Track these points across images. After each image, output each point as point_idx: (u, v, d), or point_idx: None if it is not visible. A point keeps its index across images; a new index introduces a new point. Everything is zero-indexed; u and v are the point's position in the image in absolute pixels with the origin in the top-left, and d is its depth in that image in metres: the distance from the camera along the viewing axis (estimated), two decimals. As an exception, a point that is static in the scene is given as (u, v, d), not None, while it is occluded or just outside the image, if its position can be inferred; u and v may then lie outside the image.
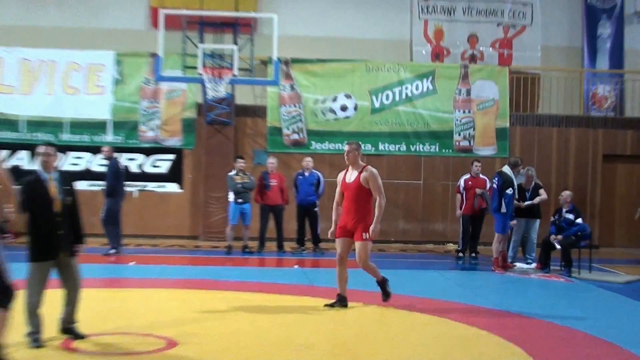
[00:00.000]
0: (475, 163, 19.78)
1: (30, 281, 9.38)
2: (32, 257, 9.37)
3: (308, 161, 20.45)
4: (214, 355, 9.33)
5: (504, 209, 17.59)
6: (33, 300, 9.34)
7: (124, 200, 19.32)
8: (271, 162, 20.33)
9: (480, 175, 19.64)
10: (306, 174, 20.40)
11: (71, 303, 9.85)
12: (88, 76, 22.37)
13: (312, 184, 20.36)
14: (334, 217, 12.82)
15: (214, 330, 10.64)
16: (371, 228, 12.25)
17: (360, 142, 13.38)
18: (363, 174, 12.21)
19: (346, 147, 12.54)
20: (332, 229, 12.74)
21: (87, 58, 22.44)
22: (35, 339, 9.30)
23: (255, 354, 9.52)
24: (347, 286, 12.55)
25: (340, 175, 12.69)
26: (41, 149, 9.79)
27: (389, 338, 10.53)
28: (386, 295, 12.75)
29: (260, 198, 20.10)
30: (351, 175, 12.36)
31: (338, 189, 12.66)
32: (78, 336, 9.79)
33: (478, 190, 19.29)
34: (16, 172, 9.52)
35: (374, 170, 12.39)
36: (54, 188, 9.56)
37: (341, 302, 12.46)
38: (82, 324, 10.01)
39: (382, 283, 12.79)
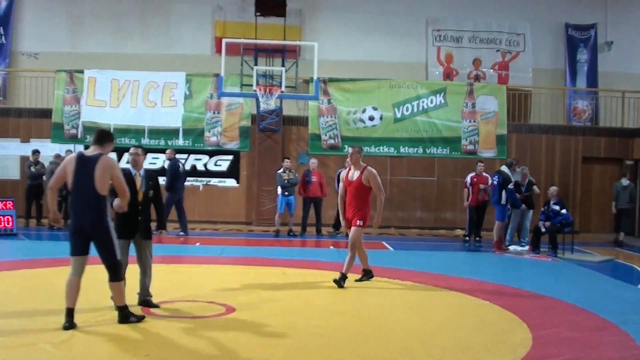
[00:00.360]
0: (479, 163, 19.77)
1: None
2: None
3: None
4: (265, 319, 9.30)
5: (503, 201, 17.60)
6: None
7: (182, 194, 19.35)
8: (313, 162, 20.42)
9: (483, 174, 19.58)
10: None
11: (144, 279, 9.92)
12: (164, 92, 22.42)
13: None
14: (340, 211, 12.47)
15: (264, 299, 10.65)
16: (374, 221, 12.20)
17: (362, 147, 13.24)
18: (365, 174, 11.99)
19: (350, 150, 12.40)
20: (343, 224, 12.54)
21: (163, 78, 22.49)
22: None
23: (298, 317, 9.51)
24: (369, 263, 12.47)
25: (343, 173, 12.65)
26: (132, 150, 9.86)
27: (407, 306, 10.48)
28: (361, 280, 12.38)
29: (303, 191, 20.15)
30: (354, 174, 12.15)
31: (341, 185, 12.53)
32: (153, 307, 9.84)
33: (481, 186, 19.27)
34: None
35: (373, 170, 12.17)
36: (138, 182, 9.59)
37: (367, 275, 12.43)
38: (157, 293, 10.05)
39: (367, 272, 12.48)
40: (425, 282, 12.49)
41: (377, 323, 9.32)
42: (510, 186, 17.75)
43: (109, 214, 8.62)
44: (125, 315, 8.78)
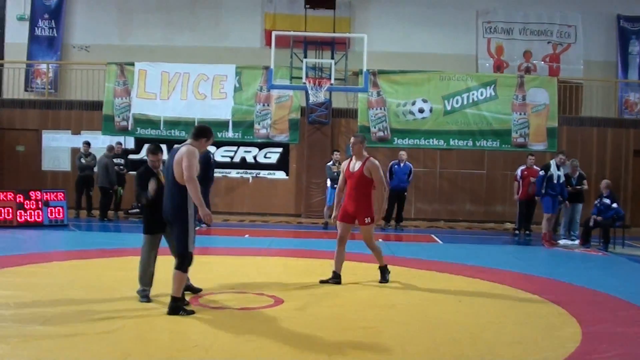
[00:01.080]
0: (530, 156, 19.61)
1: (144, 248, 9.72)
2: (145, 229, 9.71)
3: (402, 154, 20.48)
4: (313, 311, 9.36)
5: (551, 193, 17.50)
6: (144, 263, 9.66)
7: (211, 185, 19.33)
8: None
9: (534, 167, 19.38)
10: (401, 164, 20.37)
11: None
12: (214, 85, 22.61)
13: (405, 173, 20.41)
14: (335, 202, 11.78)
15: (312, 290, 10.70)
16: (375, 217, 11.33)
17: (364, 136, 12.29)
18: (366, 165, 11.09)
19: (352, 140, 11.48)
20: (334, 213, 11.67)
21: (213, 70, 22.70)
22: (145, 295, 9.59)
23: (346, 310, 9.52)
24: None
25: (344, 164, 11.63)
26: (150, 157, 9.89)
27: (455, 299, 10.40)
28: (384, 280, 11.54)
29: (349, 184, 20.10)
30: (355, 164, 11.24)
31: (341, 177, 11.57)
32: (195, 290, 10.00)
33: (532, 179, 19.05)
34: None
35: (376, 161, 11.28)
36: (162, 176, 9.62)
37: (335, 279, 11.36)
38: (206, 284, 10.18)
39: (383, 269, 11.66)
40: (474, 276, 12.40)
41: (424, 316, 9.28)
42: (558, 179, 17.61)
43: (190, 204, 8.78)
44: (176, 307, 8.88)
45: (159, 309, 9.06)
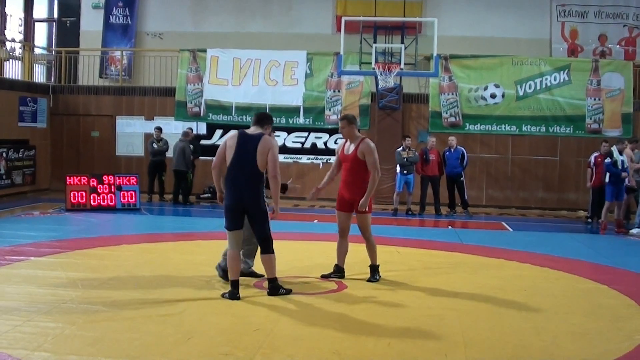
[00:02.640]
0: (604, 143, 19.15)
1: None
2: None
3: (452, 140, 20.32)
4: (376, 297, 9.38)
5: (613, 181, 17.27)
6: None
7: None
8: (432, 140, 20.26)
9: (608, 154, 19.00)
10: (452, 150, 20.18)
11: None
12: (285, 71, 22.66)
13: (457, 158, 20.19)
14: (323, 181, 10.60)
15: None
16: (361, 201, 10.11)
17: (352, 116, 10.73)
18: (360, 147, 10.09)
19: (340, 124, 10.47)
20: (312, 190, 10.52)
21: (284, 57, 22.74)
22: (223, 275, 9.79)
23: (409, 296, 9.48)
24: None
25: (339, 146, 10.57)
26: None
27: (522, 288, 10.24)
28: (373, 279, 10.43)
29: (421, 170, 19.99)
30: (349, 147, 10.25)
31: (335, 158, 10.55)
32: (257, 275, 10.16)
33: (606, 166, 18.69)
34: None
35: (371, 143, 10.28)
36: None
37: (338, 272, 10.56)
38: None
39: (375, 267, 10.57)
40: (543, 265, 12.19)
41: (489, 305, 9.17)
42: (615, 166, 17.25)
43: (264, 191, 9.01)
44: (274, 287, 9.15)
45: (222, 292, 9.15)
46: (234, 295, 8.89)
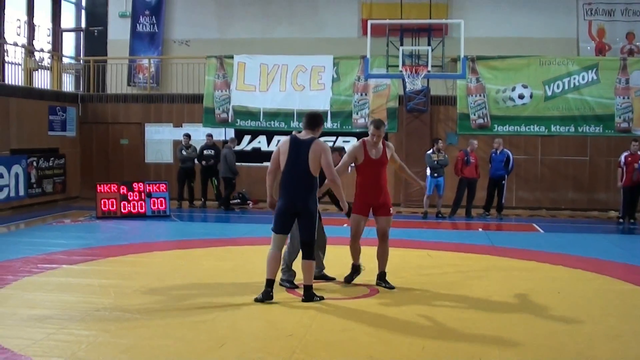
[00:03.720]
0: (634, 142, 19.04)
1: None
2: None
3: (498, 142, 20.36)
4: (407, 302, 9.31)
5: None
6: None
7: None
8: (473, 142, 20.33)
9: (638, 152, 18.83)
10: (497, 152, 20.12)
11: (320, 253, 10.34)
12: (312, 76, 22.66)
13: (501, 161, 20.15)
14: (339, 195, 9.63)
15: (409, 280, 10.65)
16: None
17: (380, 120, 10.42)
18: (388, 150, 10.20)
19: (380, 131, 10.00)
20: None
21: (311, 62, 22.72)
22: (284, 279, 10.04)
23: (440, 302, 9.42)
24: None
25: (357, 150, 10.13)
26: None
27: (555, 291, 10.17)
28: (391, 287, 10.10)
29: (461, 172, 19.96)
30: (374, 151, 10.08)
31: (344, 164, 10.17)
32: (328, 279, 10.41)
33: (636, 165, 18.52)
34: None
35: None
36: None
37: (356, 271, 10.49)
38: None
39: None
40: (575, 266, 12.12)
41: (522, 308, 9.12)
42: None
43: (316, 196, 9.15)
44: (310, 295, 9.17)
45: (254, 297, 9.13)
46: (267, 293, 8.98)
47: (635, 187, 18.75)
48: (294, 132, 9.38)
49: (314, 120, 9.29)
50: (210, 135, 21.93)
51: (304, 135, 9.16)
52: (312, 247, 9.16)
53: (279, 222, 9.16)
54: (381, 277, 10.30)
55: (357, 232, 10.38)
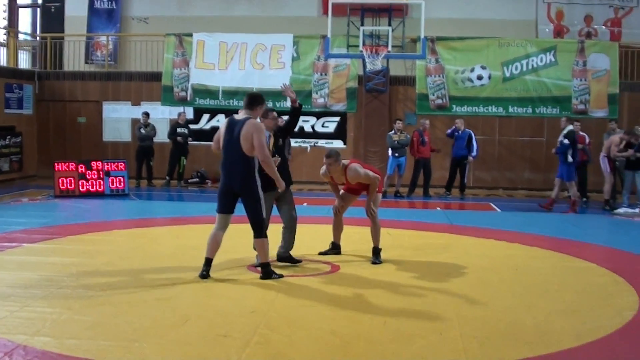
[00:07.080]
0: (575, 123, 18.97)
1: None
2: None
3: (459, 122, 20.68)
4: (368, 278, 9.51)
5: (569, 160, 17.54)
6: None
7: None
8: (426, 122, 20.55)
9: (580, 133, 18.99)
10: (459, 132, 20.36)
11: (287, 233, 10.35)
12: (271, 54, 22.68)
13: (464, 140, 20.40)
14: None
15: (368, 258, 10.75)
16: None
17: (336, 152, 10.91)
18: (348, 173, 10.85)
19: (326, 161, 10.71)
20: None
21: (271, 40, 22.74)
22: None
23: (401, 278, 9.57)
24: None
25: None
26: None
27: (512, 268, 10.40)
28: (378, 261, 10.50)
29: (417, 152, 20.13)
30: (340, 179, 11.04)
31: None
32: (294, 261, 10.31)
33: (579, 146, 18.61)
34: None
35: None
36: (271, 141, 9.90)
37: (334, 249, 11.14)
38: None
39: (378, 250, 10.70)
40: (532, 244, 12.34)
41: (481, 284, 9.30)
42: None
43: (256, 174, 9.07)
44: (267, 272, 9.24)
45: (216, 276, 9.24)
46: (201, 272, 9.12)
47: (580, 167, 18.96)
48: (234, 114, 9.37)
49: (252, 99, 9.24)
50: (146, 114, 21.89)
51: (241, 115, 9.15)
52: (260, 225, 9.12)
53: (219, 202, 9.23)
54: (374, 251, 10.72)
55: (340, 205, 11.31)
